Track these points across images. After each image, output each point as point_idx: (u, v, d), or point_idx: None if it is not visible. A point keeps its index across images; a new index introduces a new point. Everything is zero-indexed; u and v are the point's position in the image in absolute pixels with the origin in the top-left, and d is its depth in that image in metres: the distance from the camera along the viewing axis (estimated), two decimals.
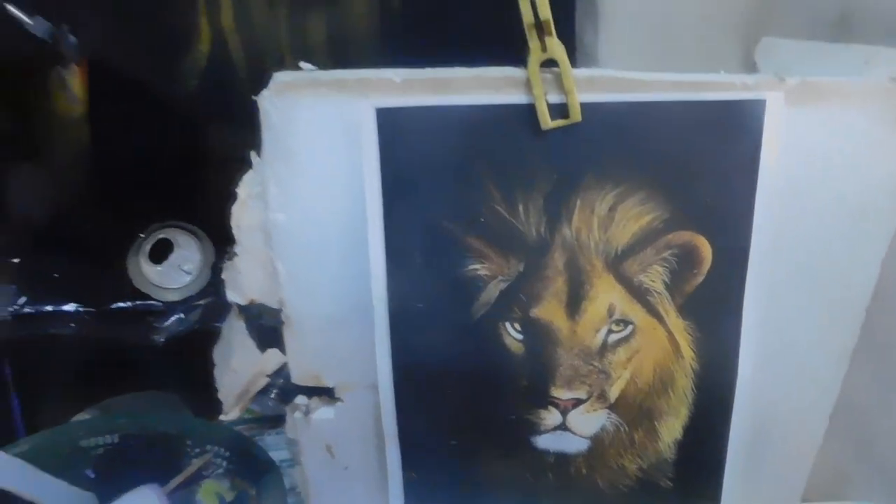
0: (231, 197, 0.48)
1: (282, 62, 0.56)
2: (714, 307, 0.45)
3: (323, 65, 0.52)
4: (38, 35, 0.47)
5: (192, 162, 0.61)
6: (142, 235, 0.66)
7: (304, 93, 0.44)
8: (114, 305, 0.66)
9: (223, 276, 0.50)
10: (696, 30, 0.64)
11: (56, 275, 0.66)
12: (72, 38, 0.48)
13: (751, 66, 0.58)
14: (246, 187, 0.47)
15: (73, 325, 0.65)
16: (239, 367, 0.51)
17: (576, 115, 0.42)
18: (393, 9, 0.55)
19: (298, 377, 0.53)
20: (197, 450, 0.73)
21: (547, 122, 0.42)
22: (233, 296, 0.50)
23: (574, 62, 0.59)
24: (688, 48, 0.63)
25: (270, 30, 0.56)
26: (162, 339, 0.64)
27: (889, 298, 0.48)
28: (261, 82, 0.47)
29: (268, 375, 0.52)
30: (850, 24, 0.51)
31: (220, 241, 0.69)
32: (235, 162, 0.51)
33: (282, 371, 0.53)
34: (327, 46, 0.56)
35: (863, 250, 0.45)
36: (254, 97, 0.44)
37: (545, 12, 0.39)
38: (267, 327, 0.51)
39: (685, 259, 0.44)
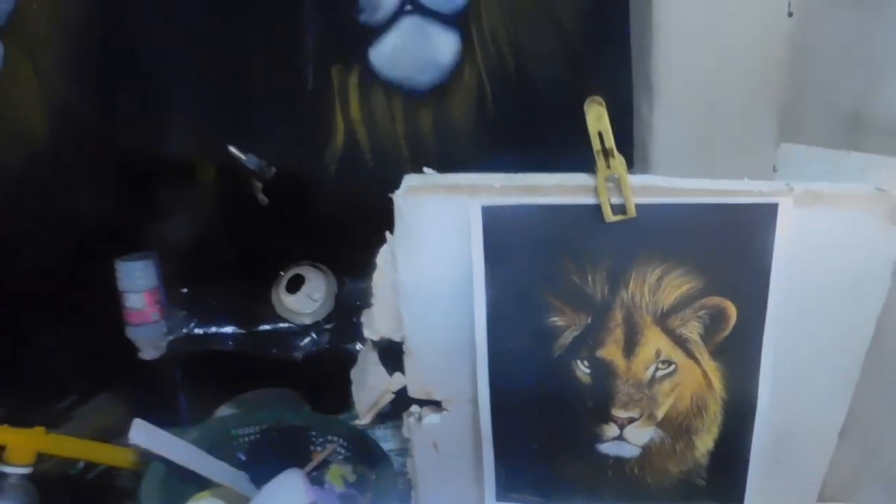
0: (371, 265, 0.64)
1: (398, 147, 0.71)
2: (738, 352, 0.59)
3: (430, 150, 0.67)
4: (251, 168, 0.64)
5: (324, 218, 0.78)
6: (282, 273, 0.83)
7: (427, 193, 0.59)
8: (261, 327, 0.84)
9: (362, 319, 0.66)
10: (736, 106, 0.76)
11: (216, 303, 0.84)
12: (273, 169, 0.65)
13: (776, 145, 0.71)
14: (382, 256, 0.63)
15: (230, 343, 0.83)
16: (372, 385, 0.68)
17: (631, 213, 0.56)
18: (487, 106, 0.70)
19: (414, 392, 0.69)
20: (320, 439, 0.91)
21: (610, 217, 0.56)
22: (368, 333, 0.66)
23: (631, 131, 0.73)
24: (728, 122, 0.76)
25: (389, 122, 0.71)
26: (300, 356, 0.82)
27: (889, 340, 0.60)
28: (383, 165, 0.63)
29: (393, 392, 0.68)
30: (861, 121, 0.63)
31: (340, 276, 0.86)
32: (355, 219, 0.67)
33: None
34: (434, 135, 0.71)
35: (860, 309, 0.58)
36: (390, 195, 0.59)
37: (609, 142, 0.53)
38: (393, 356, 0.67)
39: (715, 317, 0.58)
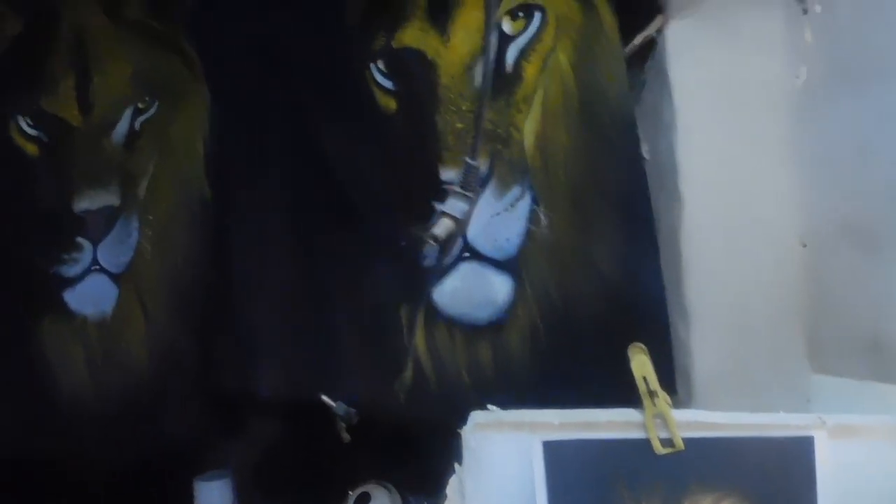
0: (434, 482, 0.70)
1: (460, 376, 0.79)
2: None
3: (489, 379, 0.75)
4: (339, 414, 0.74)
5: (392, 441, 0.85)
6: (350, 492, 0.88)
7: (492, 429, 0.66)
8: None
9: None
10: (765, 326, 0.83)
11: None
12: (358, 416, 0.75)
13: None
14: (451, 486, 0.68)
15: None
16: None
17: (679, 446, 0.61)
18: (539, 339, 0.79)
19: None
20: None
21: (659, 449, 0.62)
22: None
23: (671, 354, 0.80)
24: (759, 341, 0.83)
25: (451, 354, 0.81)
26: None
27: None
28: (447, 392, 0.70)
29: None
30: (881, 345, 0.70)
31: (404, 493, 0.90)
32: (420, 442, 0.73)
33: None
34: (493, 365, 0.80)
35: None
36: (458, 430, 0.66)
37: (654, 385, 0.61)
38: None
39: None
